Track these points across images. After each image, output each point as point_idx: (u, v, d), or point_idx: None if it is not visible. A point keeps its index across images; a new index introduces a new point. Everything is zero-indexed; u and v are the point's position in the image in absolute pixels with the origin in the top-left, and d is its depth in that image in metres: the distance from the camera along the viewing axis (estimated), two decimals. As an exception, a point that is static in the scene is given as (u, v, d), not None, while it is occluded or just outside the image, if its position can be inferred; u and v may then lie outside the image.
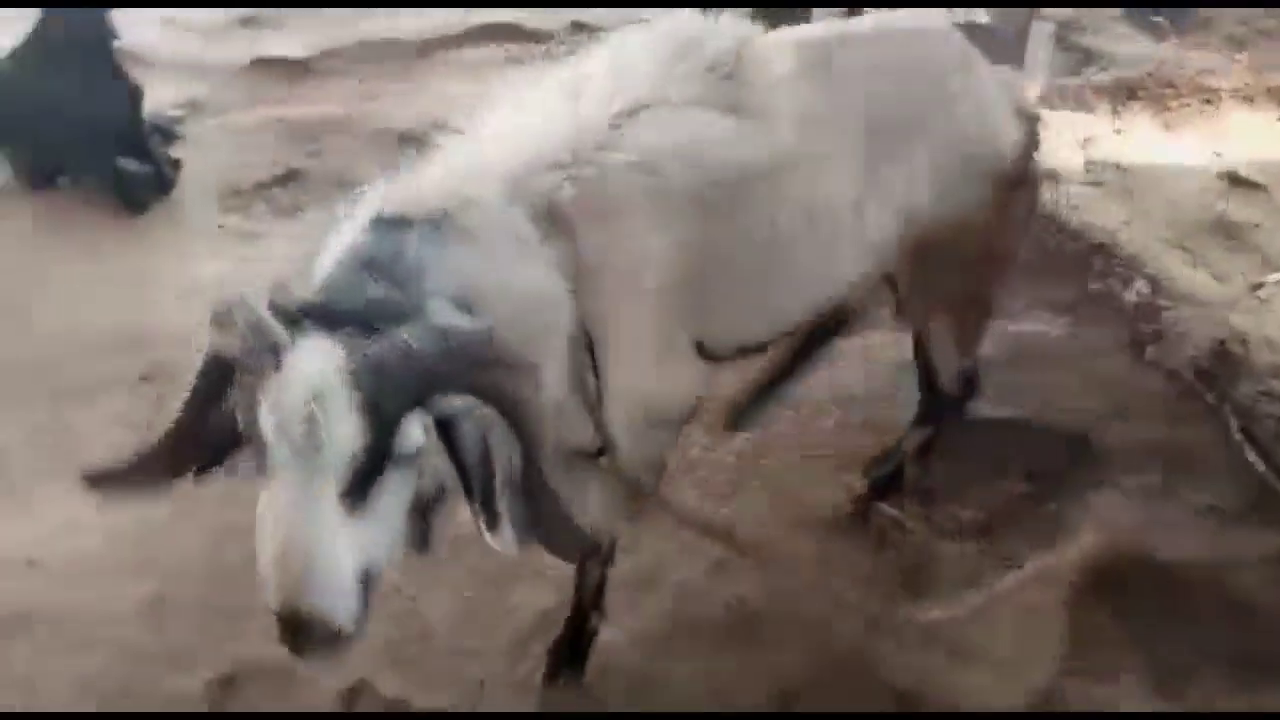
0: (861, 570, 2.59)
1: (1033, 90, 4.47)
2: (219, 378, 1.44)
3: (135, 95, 4.08)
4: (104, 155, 3.94)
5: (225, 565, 2.38)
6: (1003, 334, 3.39)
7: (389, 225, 1.50)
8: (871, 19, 2.18)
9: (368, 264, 1.45)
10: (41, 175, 4.01)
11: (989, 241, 2.12)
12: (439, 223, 1.50)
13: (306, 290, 1.46)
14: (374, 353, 1.31)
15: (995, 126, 2.08)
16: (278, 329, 1.34)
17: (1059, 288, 3.65)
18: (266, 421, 1.31)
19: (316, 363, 1.30)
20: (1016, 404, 3.09)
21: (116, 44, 4.05)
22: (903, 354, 2.97)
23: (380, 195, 1.59)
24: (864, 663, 2.36)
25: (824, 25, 2.05)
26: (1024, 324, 3.49)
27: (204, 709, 2.21)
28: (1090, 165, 4.19)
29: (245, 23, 5.65)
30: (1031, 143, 2.17)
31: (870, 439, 2.92)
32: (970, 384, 2.56)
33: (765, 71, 1.83)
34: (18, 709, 2.21)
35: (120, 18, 4.13)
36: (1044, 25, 4.35)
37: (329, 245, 1.60)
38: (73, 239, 3.83)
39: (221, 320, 1.39)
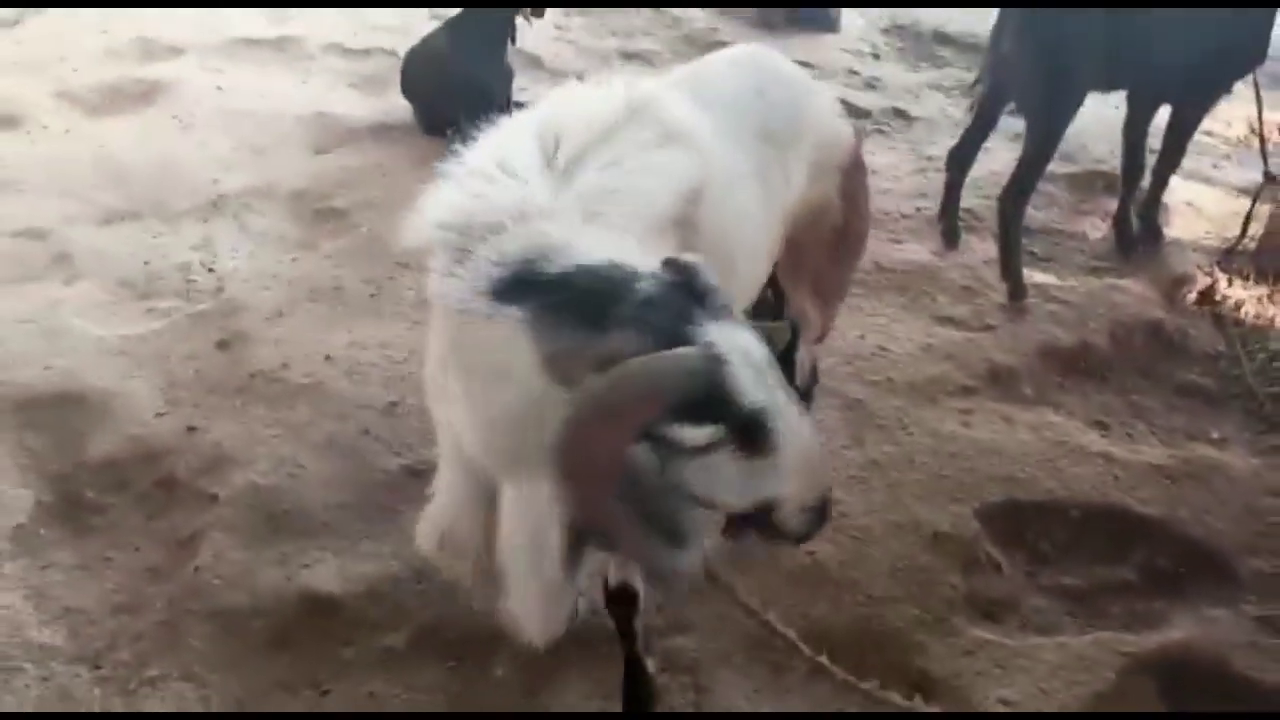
0: (937, 579, 2.81)
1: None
2: None
3: (509, 77, 5.16)
4: (481, 119, 5.03)
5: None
6: (1189, 454, 3.42)
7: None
8: (720, 54, 2.50)
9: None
10: (435, 124, 5.10)
11: (842, 221, 2.55)
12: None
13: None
14: (737, 315, 1.64)
15: (836, 126, 2.52)
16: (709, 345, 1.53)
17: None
18: (753, 393, 1.53)
19: (741, 341, 1.56)
20: (1170, 509, 3.13)
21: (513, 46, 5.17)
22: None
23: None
24: (902, 644, 2.60)
25: (686, 67, 2.37)
26: (1216, 451, 3.48)
27: (385, 491, 2.93)
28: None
29: (627, 56, 6.77)
30: (855, 134, 2.59)
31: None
32: (814, 375, 2.89)
33: (670, 107, 2.02)
34: (288, 445, 3.08)
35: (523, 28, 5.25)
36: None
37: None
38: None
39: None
